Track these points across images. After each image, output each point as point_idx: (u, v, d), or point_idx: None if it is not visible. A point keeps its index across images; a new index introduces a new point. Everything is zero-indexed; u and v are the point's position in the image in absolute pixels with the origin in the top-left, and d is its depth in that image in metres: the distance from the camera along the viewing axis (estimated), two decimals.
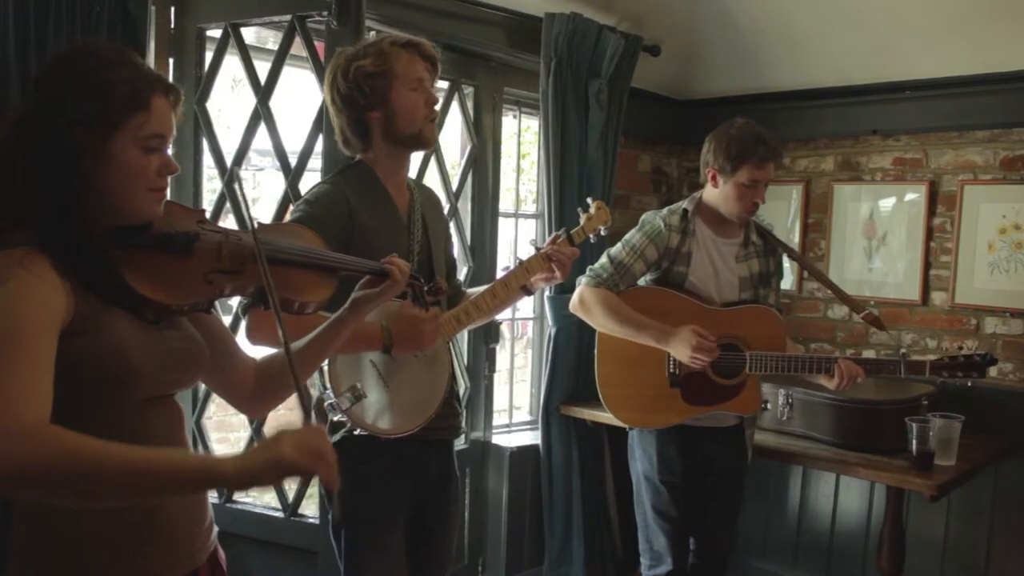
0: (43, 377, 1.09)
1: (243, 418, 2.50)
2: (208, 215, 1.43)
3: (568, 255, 2.10)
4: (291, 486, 2.83)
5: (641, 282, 2.65)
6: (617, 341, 2.59)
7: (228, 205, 2.75)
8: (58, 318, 1.15)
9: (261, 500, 3.02)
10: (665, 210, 2.65)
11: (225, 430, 4.87)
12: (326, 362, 1.79)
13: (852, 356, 2.59)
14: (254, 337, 1.72)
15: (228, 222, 2.81)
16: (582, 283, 2.61)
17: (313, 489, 2.85)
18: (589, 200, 2.27)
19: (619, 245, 2.63)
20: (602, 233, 2.26)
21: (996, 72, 3.13)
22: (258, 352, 1.61)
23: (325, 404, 1.90)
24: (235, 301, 1.76)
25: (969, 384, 2.57)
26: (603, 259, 2.62)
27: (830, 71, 3.52)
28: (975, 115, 3.27)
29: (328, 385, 1.83)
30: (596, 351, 2.69)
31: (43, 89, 1.23)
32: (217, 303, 1.48)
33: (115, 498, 1.11)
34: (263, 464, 1.12)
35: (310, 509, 2.92)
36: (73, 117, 1.19)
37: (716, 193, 2.59)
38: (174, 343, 1.32)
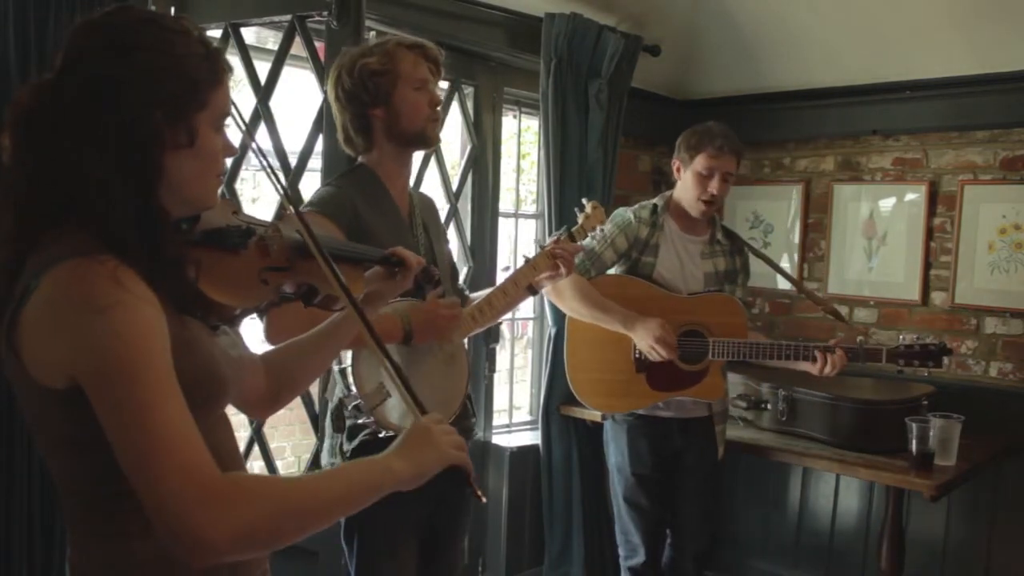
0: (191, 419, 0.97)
1: (243, 418, 2.49)
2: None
3: (572, 251, 2.14)
4: None
5: (612, 271, 2.74)
6: (587, 327, 2.68)
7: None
8: (168, 344, 0.99)
9: None
10: (637, 205, 2.76)
11: None
12: (349, 362, 1.78)
13: (816, 344, 2.58)
14: (277, 339, 1.59)
15: None
16: None
17: None
18: (584, 200, 2.30)
19: (590, 236, 2.67)
20: (598, 232, 2.32)
21: (996, 72, 3.12)
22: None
23: (349, 406, 1.87)
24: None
25: (927, 373, 2.63)
26: None
27: (830, 71, 3.51)
28: (975, 115, 3.26)
29: (352, 386, 1.79)
30: (566, 337, 2.78)
31: (95, 64, 1.01)
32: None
33: (312, 531, 1.06)
34: (434, 463, 1.13)
35: None
36: (151, 97, 1.01)
37: (680, 187, 2.70)
38: (233, 351, 1.18)
